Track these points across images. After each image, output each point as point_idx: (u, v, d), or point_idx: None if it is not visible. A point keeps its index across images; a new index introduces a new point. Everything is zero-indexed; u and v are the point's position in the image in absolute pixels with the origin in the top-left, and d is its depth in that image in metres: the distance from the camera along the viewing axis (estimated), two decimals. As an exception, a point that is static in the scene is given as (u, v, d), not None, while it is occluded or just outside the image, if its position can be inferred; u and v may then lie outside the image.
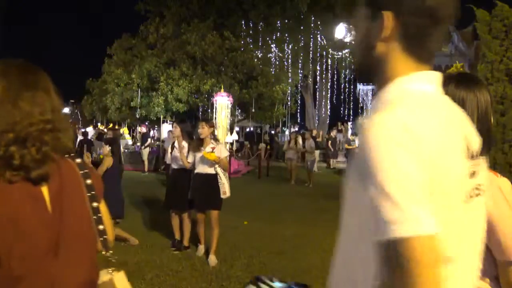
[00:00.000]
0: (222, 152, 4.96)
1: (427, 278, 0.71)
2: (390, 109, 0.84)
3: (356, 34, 1.00)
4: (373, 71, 0.96)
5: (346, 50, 21.84)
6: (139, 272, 4.44)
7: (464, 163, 0.87)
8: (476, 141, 0.94)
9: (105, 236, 1.34)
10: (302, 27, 22.76)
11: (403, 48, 0.89)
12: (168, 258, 4.99)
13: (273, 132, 26.53)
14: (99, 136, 14.96)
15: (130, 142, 18.99)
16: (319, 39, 22.89)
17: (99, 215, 1.31)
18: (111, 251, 1.38)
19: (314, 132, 18.98)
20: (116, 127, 22.05)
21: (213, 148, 4.95)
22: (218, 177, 4.93)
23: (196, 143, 5.09)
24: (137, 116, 21.33)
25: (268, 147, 19.79)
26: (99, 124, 26.88)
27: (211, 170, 4.94)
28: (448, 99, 0.95)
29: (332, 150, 18.45)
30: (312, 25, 22.14)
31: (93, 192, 1.29)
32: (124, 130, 21.43)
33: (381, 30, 0.88)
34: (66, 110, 46.76)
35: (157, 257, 4.99)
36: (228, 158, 5.37)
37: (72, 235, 1.20)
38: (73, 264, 1.20)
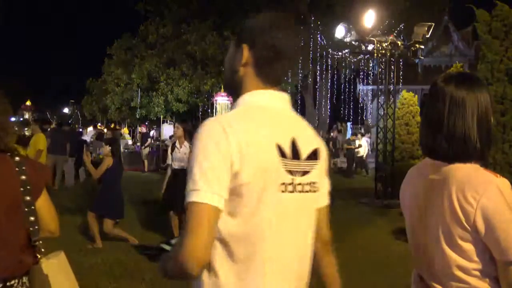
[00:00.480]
0: None
1: (197, 227, 0.97)
2: (221, 114, 1.10)
3: (227, 59, 1.25)
4: (235, 88, 1.20)
5: (346, 50, 21.83)
6: (139, 272, 4.44)
7: (273, 159, 1.06)
8: (308, 147, 1.16)
9: (36, 227, 1.51)
10: (302, 27, 22.77)
11: (255, 73, 1.16)
12: (168, 258, 4.98)
13: None
14: (99, 136, 14.97)
15: (130, 142, 19.02)
16: (319, 39, 22.89)
17: (32, 207, 1.50)
18: (40, 241, 1.54)
19: (314, 132, 18.97)
20: (117, 127, 22.05)
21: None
22: None
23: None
24: (137, 116, 21.33)
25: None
26: (98, 124, 26.88)
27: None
28: (289, 113, 1.20)
29: (333, 150, 18.44)
30: (312, 25, 22.15)
31: (28, 187, 1.49)
32: (124, 130, 21.43)
33: (241, 58, 1.15)
34: (66, 110, 46.78)
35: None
36: None
37: None
38: None
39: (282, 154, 1.09)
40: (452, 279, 1.20)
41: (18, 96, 40.71)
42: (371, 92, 27.39)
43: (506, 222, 1.10)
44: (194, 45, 20.07)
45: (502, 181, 1.14)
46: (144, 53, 21.52)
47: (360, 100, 29.15)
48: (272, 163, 1.06)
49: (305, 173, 1.14)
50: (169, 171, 5.91)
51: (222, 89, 16.73)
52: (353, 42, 9.01)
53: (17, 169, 1.48)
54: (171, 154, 5.64)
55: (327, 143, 20.41)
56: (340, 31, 8.87)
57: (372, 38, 8.73)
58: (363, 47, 9.05)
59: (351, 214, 7.94)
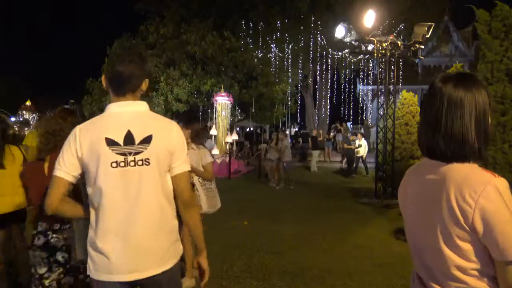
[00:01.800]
0: (204, 158, 4.05)
1: (51, 190, 1.75)
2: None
3: None
4: None
5: (346, 50, 21.83)
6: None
7: (97, 144, 1.70)
8: (142, 135, 1.73)
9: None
10: (302, 27, 22.75)
11: (111, 91, 1.82)
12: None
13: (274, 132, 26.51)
14: None
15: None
16: (319, 39, 22.88)
17: None
18: None
19: (314, 132, 18.95)
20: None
21: None
22: (195, 188, 4.03)
23: None
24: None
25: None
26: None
27: None
28: (122, 113, 1.77)
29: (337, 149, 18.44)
30: (312, 25, 22.14)
31: None
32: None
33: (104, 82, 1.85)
34: (66, 110, 46.80)
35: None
36: (211, 164, 4.28)
37: None
38: None
39: (111, 142, 1.71)
40: (451, 279, 1.20)
41: (18, 96, 40.79)
42: (371, 92, 27.38)
43: (505, 222, 1.10)
44: (194, 45, 20.05)
45: (500, 181, 1.14)
46: (144, 53, 21.50)
47: (360, 100, 29.13)
48: (100, 149, 1.70)
49: (138, 152, 1.72)
50: None
51: (222, 89, 16.73)
52: (353, 42, 9.01)
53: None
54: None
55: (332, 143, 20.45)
56: (340, 31, 8.87)
57: (372, 38, 8.73)
58: (363, 47, 9.05)
59: (351, 214, 7.95)
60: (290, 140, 17.50)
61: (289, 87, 24.28)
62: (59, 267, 2.49)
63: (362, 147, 14.83)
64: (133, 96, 1.80)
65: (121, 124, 1.73)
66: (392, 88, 9.37)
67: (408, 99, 10.10)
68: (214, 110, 15.85)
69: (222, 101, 15.52)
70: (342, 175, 14.65)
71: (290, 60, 23.98)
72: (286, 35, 23.01)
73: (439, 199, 1.21)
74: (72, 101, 45.69)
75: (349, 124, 25.60)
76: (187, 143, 4.48)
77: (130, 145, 1.71)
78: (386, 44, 8.70)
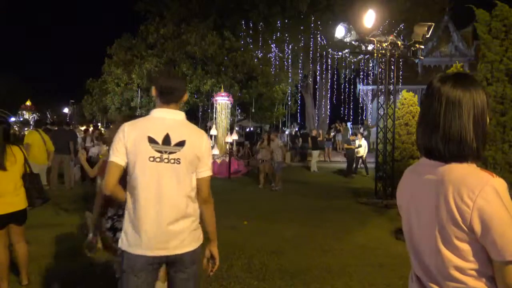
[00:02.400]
0: None
1: (107, 173, 2.12)
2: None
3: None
4: None
5: (346, 50, 21.84)
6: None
7: (140, 139, 2.06)
8: (177, 139, 2.10)
9: None
10: (302, 27, 22.75)
11: (159, 100, 2.19)
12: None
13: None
14: (85, 131, 15.11)
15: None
16: (319, 39, 22.88)
17: None
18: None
19: (314, 132, 18.94)
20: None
21: None
22: None
23: None
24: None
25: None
26: (99, 124, 26.86)
27: None
28: (164, 119, 2.15)
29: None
30: (312, 25, 22.13)
31: None
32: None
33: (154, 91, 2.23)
34: (66, 110, 46.76)
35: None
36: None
37: None
38: None
39: (152, 140, 2.07)
40: (449, 279, 1.20)
41: (18, 96, 40.77)
42: (371, 92, 27.38)
43: (502, 222, 1.10)
44: (194, 45, 20.04)
45: (499, 181, 1.14)
46: (144, 53, 21.50)
47: (360, 100, 29.13)
48: (142, 145, 2.07)
49: (172, 152, 2.09)
50: None
51: (222, 89, 16.72)
52: (353, 42, 9.00)
53: None
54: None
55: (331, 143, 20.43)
56: (340, 31, 8.86)
57: (372, 38, 8.72)
58: (363, 47, 9.04)
59: (351, 214, 7.95)
60: (283, 140, 17.42)
61: (289, 87, 24.29)
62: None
63: (362, 147, 14.82)
64: (176, 105, 2.20)
65: (162, 127, 2.11)
66: (392, 88, 9.36)
67: (408, 99, 10.11)
68: (214, 110, 15.84)
69: (222, 101, 15.51)
70: (342, 175, 14.65)
71: (290, 60, 23.97)
72: (286, 35, 23.01)
73: (437, 199, 1.20)
74: (72, 101, 45.75)
75: (349, 124, 25.59)
76: None
77: (166, 145, 2.08)
78: (386, 44, 8.69)
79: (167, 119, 2.15)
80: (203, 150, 2.16)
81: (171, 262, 2.14)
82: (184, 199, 2.12)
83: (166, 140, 2.08)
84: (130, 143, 2.07)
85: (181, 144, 2.10)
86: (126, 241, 2.10)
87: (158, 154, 2.06)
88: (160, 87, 2.18)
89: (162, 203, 2.07)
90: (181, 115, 2.20)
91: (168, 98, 2.17)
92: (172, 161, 2.08)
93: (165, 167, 2.07)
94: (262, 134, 23.92)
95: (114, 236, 2.86)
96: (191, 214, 2.16)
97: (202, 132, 2.25)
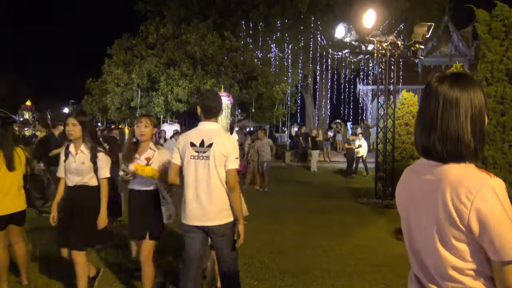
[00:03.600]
0: (166, 160, 3.52)
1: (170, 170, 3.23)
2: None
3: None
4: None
5: (346, 50, 21.82)
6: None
7: (186, 145, 3.03)
8: (208, 142, 2.98)
9: None
10: (302, 27, 22.74)
11: (202, 115, 3.12)
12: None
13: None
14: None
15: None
16: (319, 39, 22.86)
17: None
18: None
19: (314, 132, 18.92)
20: (119, 126, 22.01)
21: (148, 159, 3.51)
22: (161, 196, 3.52)
23: (129, 149, 3.69)
24: (137, 116, 21.31)
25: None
26: (99, 124, 26.85)
27: (149, 186, 3.55)
28: (211, 129, 3.07)
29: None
30: (312, 25, 22.12)
31: None
32: (126, 130, 21.44)
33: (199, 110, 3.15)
34: (66, 110, 46.75)
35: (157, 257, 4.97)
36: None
37: None
38: None
39: (192, 144, 2.99)
40: (447, 279, 1.20)
41: (18, 96, 40.74)
42: (371, 92, 27.36)
43: (500, 222, 1.10)
44: (194, 45, 20.03)
45: (497, 181, 1.13)
46: (144, 53, 21.49)
47: (360, 100, 29.11)
48: (186, 148, 3.01)
49: (204, 152, 2.95)
50: None
51: (222, 89, 16.72)
52: (353, 42, 9.00)
53: None
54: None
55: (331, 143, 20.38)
56: (340, 31, 8.86)
57: (372, 38, 8.72)
58: (363, 47, 9.04)
59: (351, 214, 7.95)
60: (275, 138, 17.30)
61: (289, 87, 24.27)
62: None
63: (362, 147, 14.81)
64: (215, 119, 3.09)
65: (200, 135, 3.02)
66: (392, 88, 9.36)
67: (408, 99, 10.10)
68: (214, 110, 15.82)
69: (222, 101, 15.51)
70: (342, 175, 14.64)
71: (290, 60, 23.95)
72: (286, 35, 23.00)
73: (435, 199, 1.20)
74: (72, 101, 45.75)
75: (349, 124, 25.58)
76: (156, 145, 3.75)
77: (201, 147, 2.97)
78: (386, 44, 8.69)
79: (205, 129, 3.04)
80: (228, 149, 2.93)
81: (208, 231, 3.01)
82: (214, 185, 2.92)
83: (202, 143, 2.97)
84: (180, 148, 3.03)
85: (210, 145, 2.94)
86: (183, 216, 3.05)
87: (196, 153, 2.96)
88: (202, 106, 3.06)
89: (200, 188, 2.94)
90: (215, 126, 3.08)
91: (207, 114, 3.06)
92: (205, 158, 2.94)
93: (200, 162, 2.95)
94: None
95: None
96: (219, 197, 2.94)
97: (230, 136, 3.17)
